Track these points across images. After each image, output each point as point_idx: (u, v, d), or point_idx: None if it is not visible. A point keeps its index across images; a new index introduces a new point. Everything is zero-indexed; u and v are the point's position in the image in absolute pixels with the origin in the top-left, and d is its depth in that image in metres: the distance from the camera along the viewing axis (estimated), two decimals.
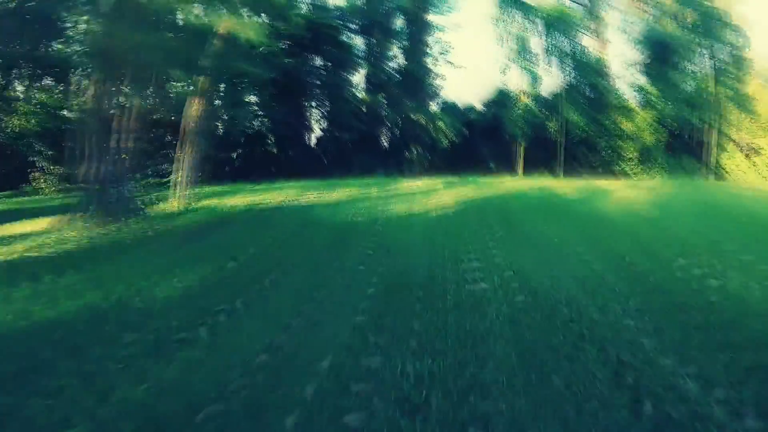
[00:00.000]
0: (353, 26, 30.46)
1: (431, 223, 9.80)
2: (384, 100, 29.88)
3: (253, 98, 28.65)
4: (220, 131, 28.77)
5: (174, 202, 12.11)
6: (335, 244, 7.95)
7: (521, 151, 27.80)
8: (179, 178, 12.56)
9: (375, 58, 30.73)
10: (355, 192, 16.16)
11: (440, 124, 29.09)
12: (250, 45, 14.72)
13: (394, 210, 11.88)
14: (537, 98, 28.46)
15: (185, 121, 12.89)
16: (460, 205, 12.46)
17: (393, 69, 30.87)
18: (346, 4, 30.61)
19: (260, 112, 29.01)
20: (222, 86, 28.13)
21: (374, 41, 30.65)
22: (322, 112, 30.09)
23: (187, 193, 12.89)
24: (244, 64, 15.46)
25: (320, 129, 30.36)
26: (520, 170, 27.23)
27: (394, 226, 9.55)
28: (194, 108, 12.88)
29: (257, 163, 27.56)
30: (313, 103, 29.98)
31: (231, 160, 27.36)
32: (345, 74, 29.60)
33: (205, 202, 13.31)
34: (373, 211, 11.58)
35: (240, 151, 28.24)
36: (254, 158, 27.99)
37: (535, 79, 28.41)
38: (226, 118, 28.54)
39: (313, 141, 30.46)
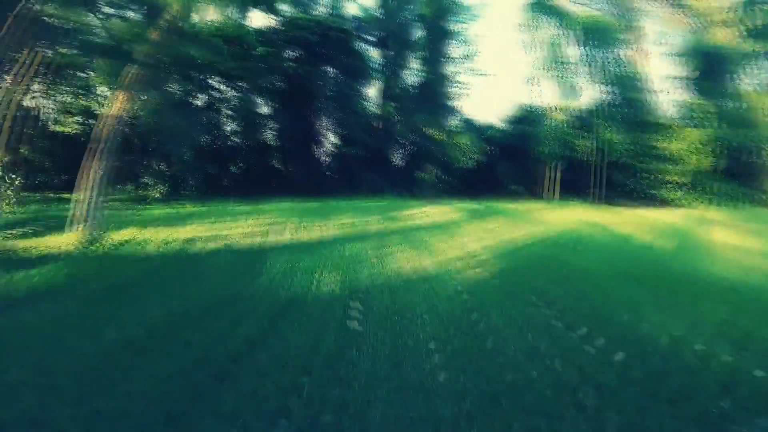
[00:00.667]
0: (370, 38, 25.98)
1: (454, 315, 4.80)
2: (398, 115, 25.12)
3: (264, 109, 24.40)
4: (219, 143, 24.52)
5: (71, 236, 7.49)
6: (225, 390, 3.09)
7: (550, 173, 22.49)
8: (82, 200, 7.87)
9: (391, 70, 26.12)
10: (350, 223, 11.33)
11: (458, 140, 24.08)
12: (200, 31, 10.25)
13: (393, 264, 6.98)
14: (569, 114, 23.19)
15: (100, 123, 8.31)
16: (497, 258, 7.44)
17: (409, 82, 26.18)
18: (362, 14, 26.21)
19: (264, 122, 24.69)
20: (221, 91, 24.09)
21: (391, 53, 26.09)
22: (331, 125, 25.50)
23: (100, 221, 8.23)
24: (197, 52, 10.85)
25: (329, 143, 25.71)
26: (554, 196, 21.84)
27: (383, 316, 4.63)
28: (116, 107, 8.29)
29: (258, 177, 23.09)
30: (323, 115, 25.40)
31: (228, 173, 22.87)
32: (357, 85, 24.99)
33: (136, 234, 8.63)
34: (360, 268, 6.71)
35: (241, 164, 23.80)
36: (255, 172, 23.49)
37: (568, 92, 23.18)
38: (224, 128, 24.29)
39: (321, 156, 25.78)
